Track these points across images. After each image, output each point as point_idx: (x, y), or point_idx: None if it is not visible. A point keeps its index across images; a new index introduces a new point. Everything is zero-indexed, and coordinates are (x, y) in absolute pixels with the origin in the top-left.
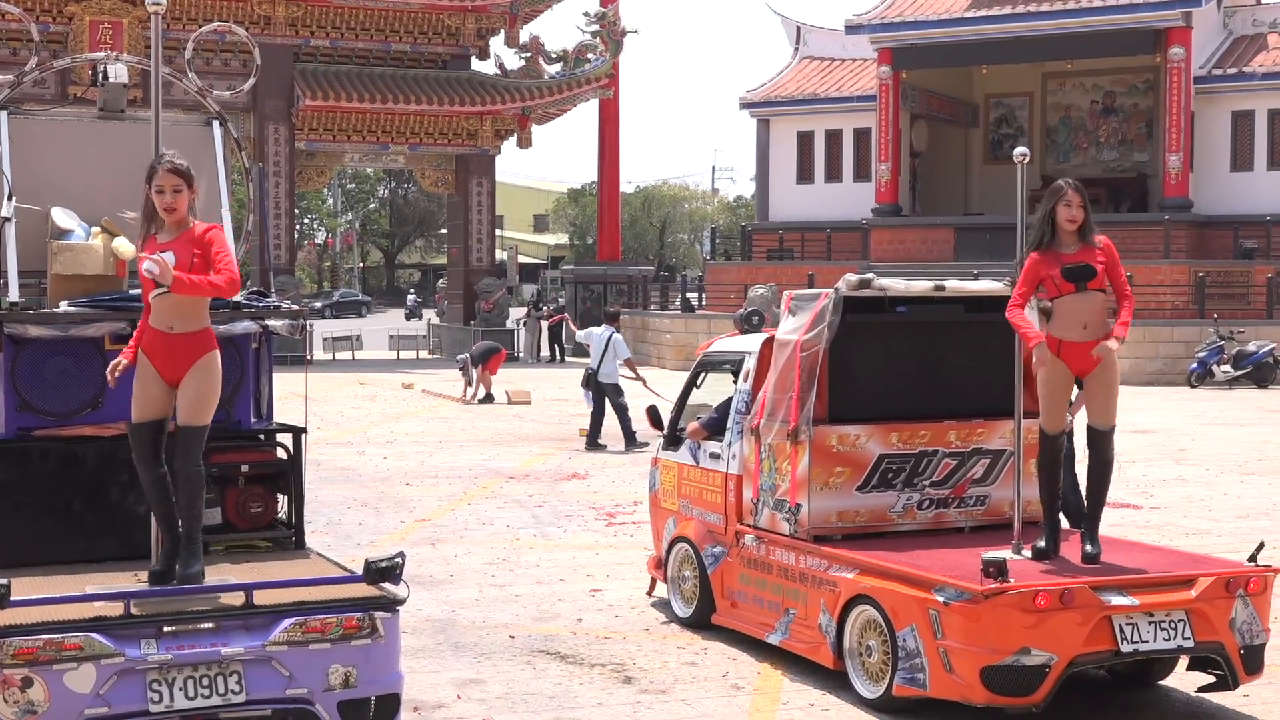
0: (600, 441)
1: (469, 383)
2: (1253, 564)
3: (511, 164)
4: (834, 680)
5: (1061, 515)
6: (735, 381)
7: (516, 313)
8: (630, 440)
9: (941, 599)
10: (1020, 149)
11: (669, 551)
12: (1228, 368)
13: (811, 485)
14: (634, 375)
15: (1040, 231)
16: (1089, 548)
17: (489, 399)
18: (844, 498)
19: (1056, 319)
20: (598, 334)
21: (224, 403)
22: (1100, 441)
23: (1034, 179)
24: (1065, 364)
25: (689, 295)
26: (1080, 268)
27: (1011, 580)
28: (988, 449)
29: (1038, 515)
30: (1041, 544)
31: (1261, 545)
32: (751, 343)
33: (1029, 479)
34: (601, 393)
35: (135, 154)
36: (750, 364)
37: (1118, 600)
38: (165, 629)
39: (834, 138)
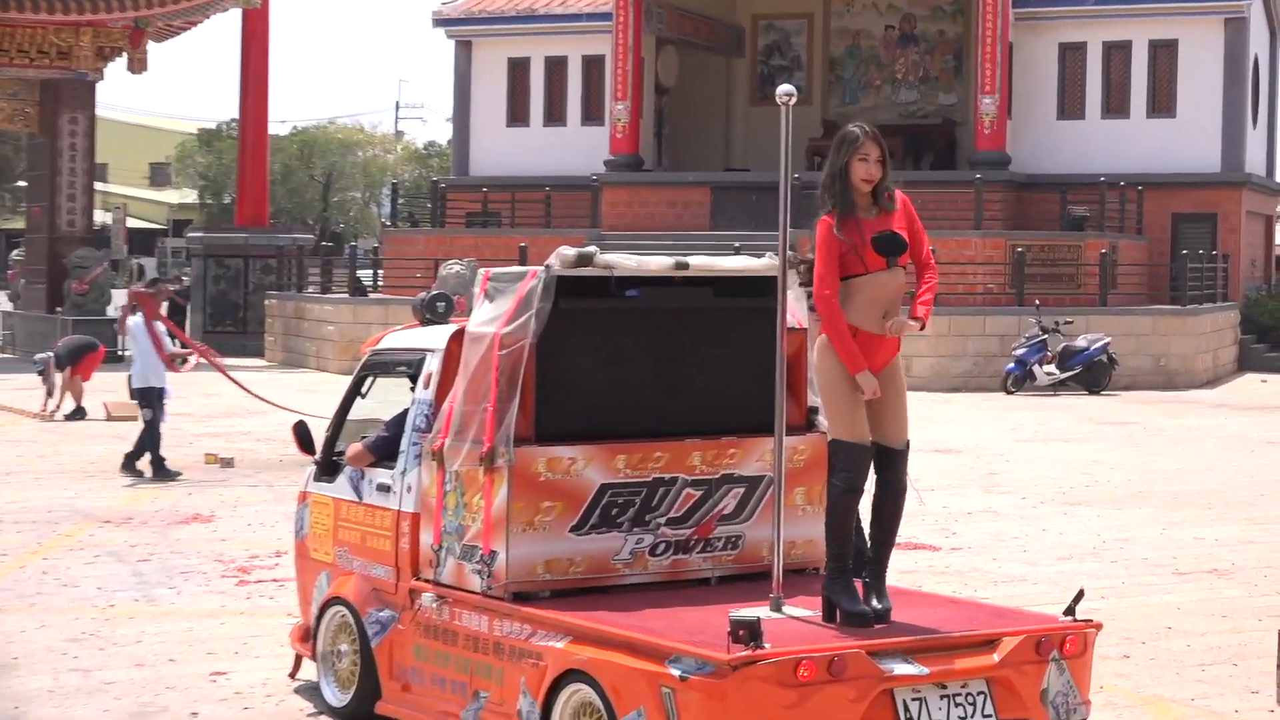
0: (139, 466)
1: (50, 391)
2: (1070, 618)
3: (120, 94)
4: None
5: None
6: (413, 389)
7: (122, 297)
8: (159, 470)
9: (677, 672)
10: (785, 87)
11: (320, 618)
12: (1052, 368)
13: (511, 526)
14: (185, 363)
15: (837, 193)
16: (874, 602)
17: (79, 413)
18: (554, 541)
19: (853, 303)
20: (133, 322)
21: None
22: (894, 464)
23: (812, 125)
24: None
25: (361, 273)
26: (891, 238)
27: (767, 646)
28: (742, 475)
29: (807, 559)
30: (847, 605)
31: (1081, 594)
32: (435, 337)
33: (795, 512)
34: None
35: None
36: (433, 365)
37: (902, 669)
38: None
39: (556, 67)
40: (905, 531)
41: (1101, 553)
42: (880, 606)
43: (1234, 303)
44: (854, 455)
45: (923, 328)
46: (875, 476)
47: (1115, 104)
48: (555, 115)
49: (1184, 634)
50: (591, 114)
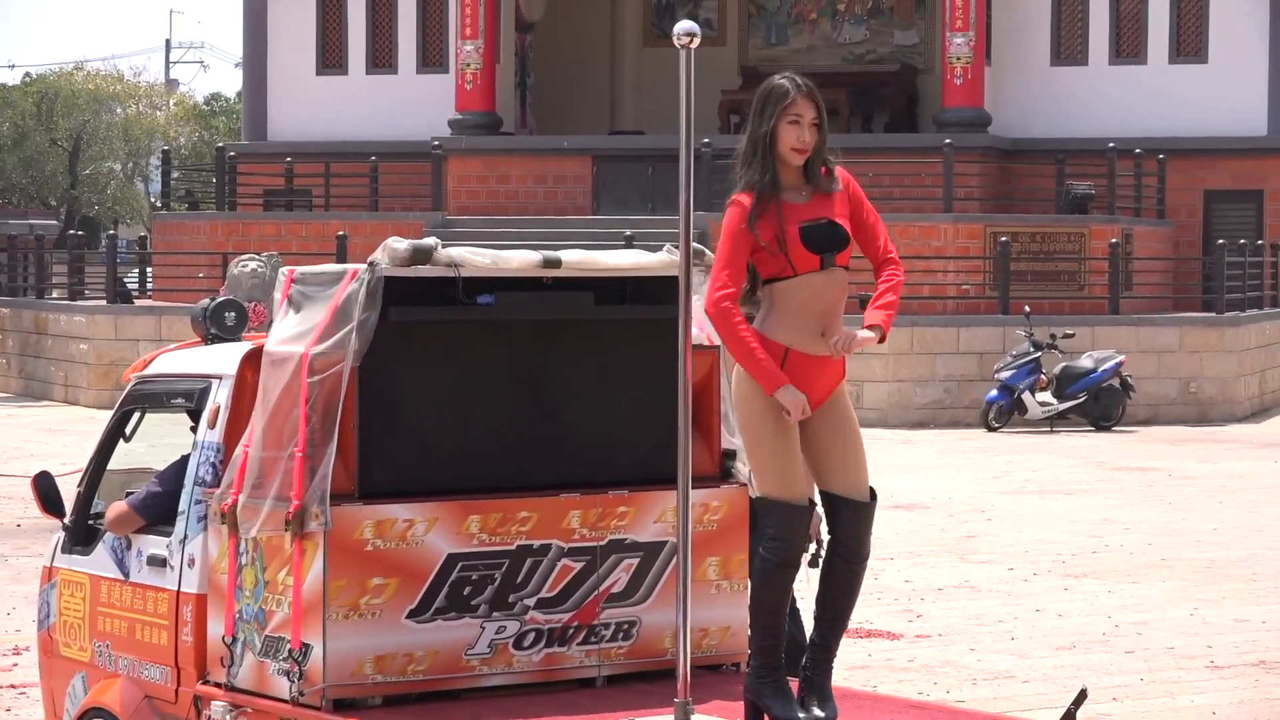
0: None
1: None
2: None
3: None
4: None
5: None
6: (194, 428)
7: None
8: None
9: None
10: (685, 24)
11: None
12: (1048, 396)
13: (329, 611)
14: None
15: (755, 165)
16: (815, 710)
17: None
18: (387, 632)
19: (779, 315)
20: None
21: None
22: (853, 523)
23: (727, 73)
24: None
25: (123, 273)
26: (826, 228)
27: None
28: (636, 541)
29: (724, 653)
30: (779, 712)
31: (1084, 694)
32: (223, 359)
33: (706, 590)
34: None
35: None
36: (221, 396)
37: None
38: None
39: None
40: (855, 614)
41: (1113, 640)
42: (822, 714)
43: None
44: (787, 517)
45: (882, 340)
46: (828, 539)
47: (1128, 45)
48: (382, 59)
49: None
50: (431, 58)
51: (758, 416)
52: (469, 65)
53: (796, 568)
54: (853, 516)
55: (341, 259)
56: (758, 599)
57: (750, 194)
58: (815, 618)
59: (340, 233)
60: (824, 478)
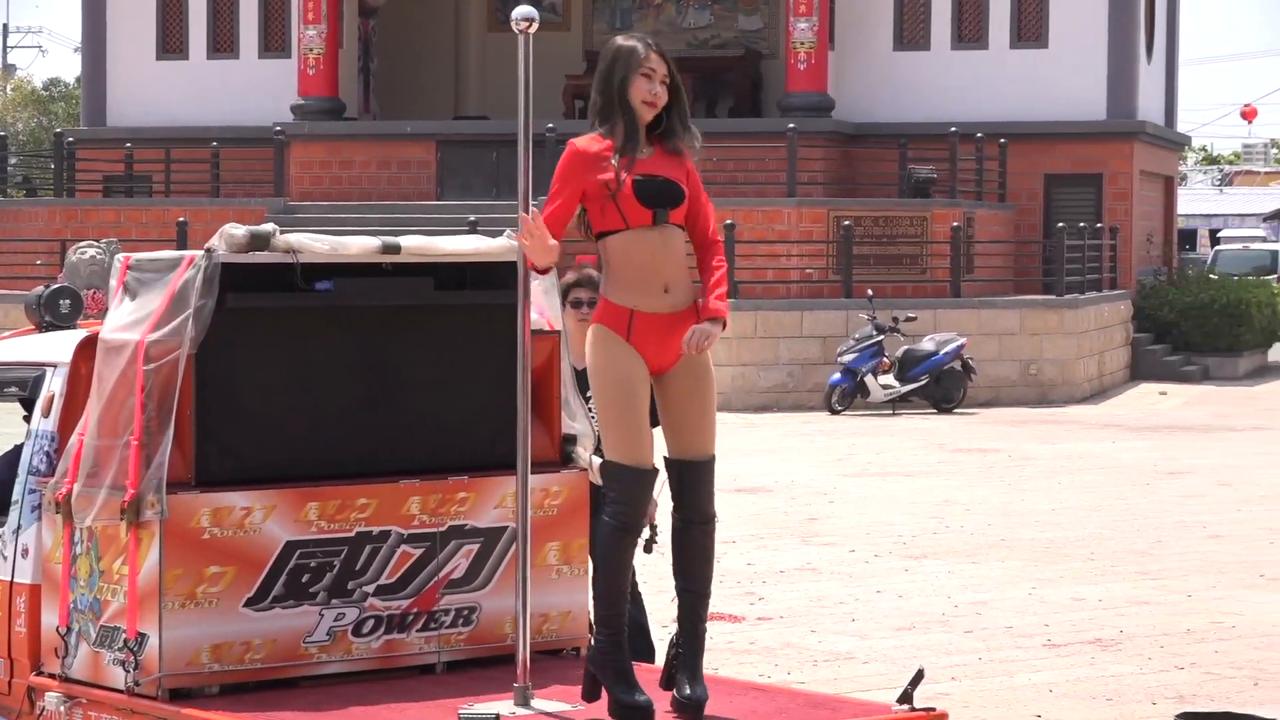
0: None
1: None
2: (906, 707)
3: None
4: None
5: None
6: (27, 417)
7: None
8: None
9: None
10: (523, 9)
11: None
12: (890, 379)
13: (166, 600)
14: None
15: (615, 116)
16: (687, 690)
17: None
18: (225, 620)
19: (620, 277)
20: None
21: None
22: (695, 487)
23: (571, 58)
24: (639, 354)
25: None
26: (661, 183)
27: None
28: (476, 528)
29: (564, 637)
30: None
31: (920, 675)
32: (57, 347)
33: (547, 574)
34: None
35: None
36: (55, 384)
37: None
38: None
39: None
40: None
41: (952, 621)
42: (691, 694)
43: (1125, 291)
44: (631, 481)
45: (725, 327)
46: (674, 512)
47: (970, 30)
48: (224, 44)
49: None
50: (273, 42)
51: (607, 384)
52: (312, 50)
53: (637, 533)
54: (698, 477)
55: (182, 246)
56: (600, 566)
57: (597, 138)
58: (678, 591)
59: (181, 219)
60: (673, 441)
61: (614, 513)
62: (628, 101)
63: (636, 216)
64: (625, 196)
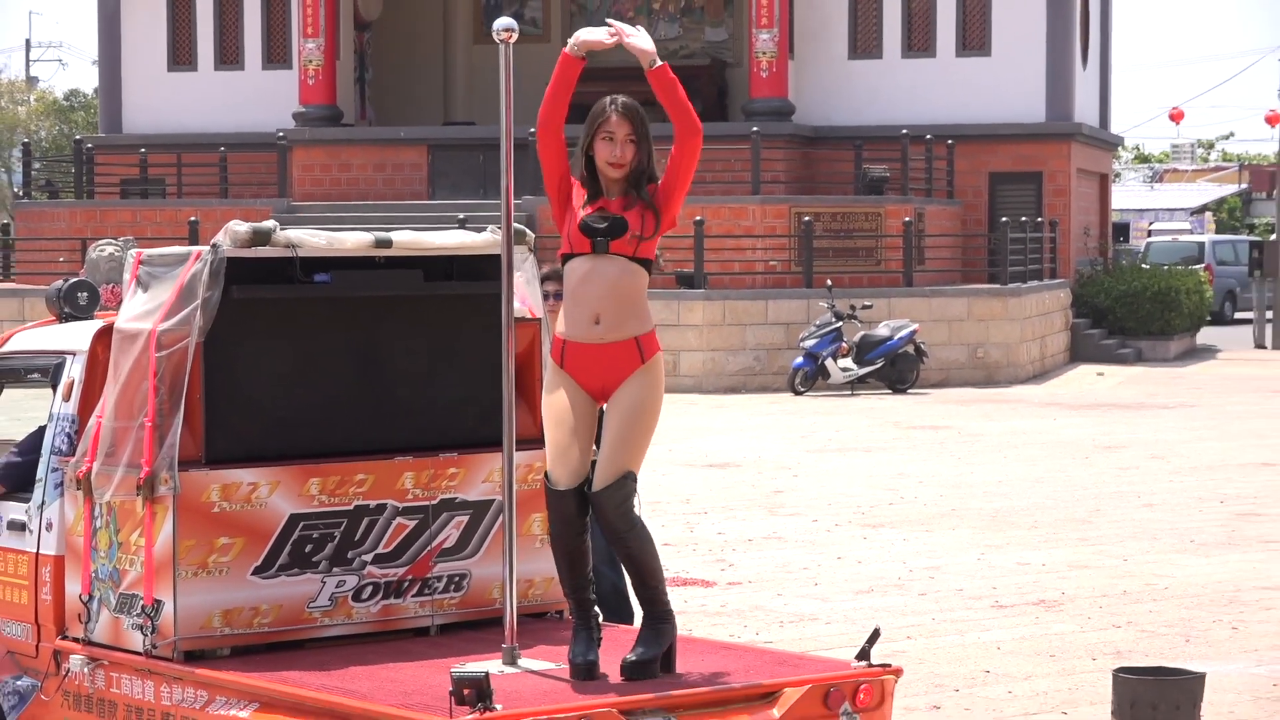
0: None
1: None
2: (864, 663)
3: None
4: None
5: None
6: (52, 401)
7: None
8: None
9: None
10: (504, 20)
11: None
12: (848, 362)
13: (179, 569)
14: None
15: (588, 180)
16: (641, 649)
17: None
18: (234, 587)
19: (564, 299)
20: None
21: None
22: (596, 511)
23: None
24: (574, 381)
25: None
26: (605, 217)
27: (498, 708)
28: (465, 500)
29: (549, 601)
30: (573, 654)
31: (877, 633)
32: (76, 336)
33: (531, 544)
34: None
35: None
36: (75, 371)
37: None
38: None
39: None
40: (672, 564)
41: (907, 584)
42: (626, 659)
43: (1064, 280)
44: (549, 498)
45: (653, 64)
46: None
47: (919, 40)
48: (230, 56)
49: (1005, 678)
50: (275, 55)
51: (545, 403)
52: (311, 62)
53: (569, 540)
54: (594, 502)
55: (193, 243)
56: (558, 560)
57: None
58: (631, 576)
59: (192, 219)
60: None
61: (554, 519)
62: (593, 161)
63: (579, 244)
64: (573, 229)
